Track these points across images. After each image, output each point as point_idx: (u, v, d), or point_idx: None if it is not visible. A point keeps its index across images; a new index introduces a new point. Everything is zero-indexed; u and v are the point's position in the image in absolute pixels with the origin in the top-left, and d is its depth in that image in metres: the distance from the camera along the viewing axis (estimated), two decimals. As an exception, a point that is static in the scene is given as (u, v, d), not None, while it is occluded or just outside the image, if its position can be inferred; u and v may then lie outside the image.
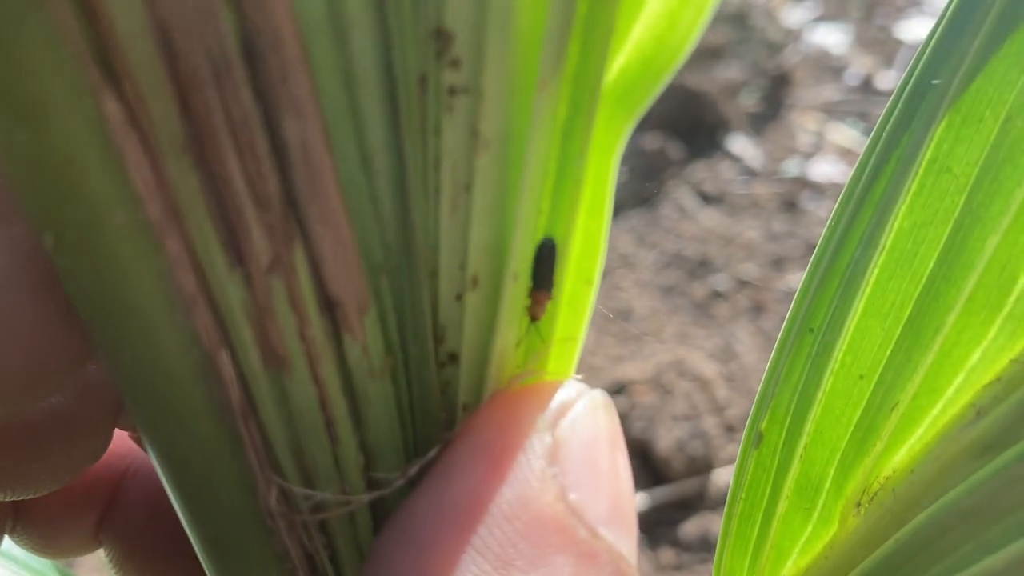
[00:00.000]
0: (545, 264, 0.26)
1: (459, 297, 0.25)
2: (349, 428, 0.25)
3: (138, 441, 0.42)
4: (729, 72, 2.20)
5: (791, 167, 2.00)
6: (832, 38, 2.47)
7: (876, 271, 0.30)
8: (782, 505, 0.32)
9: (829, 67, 2.40)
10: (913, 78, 0.31)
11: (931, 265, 0.29)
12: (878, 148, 0.31)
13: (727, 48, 2.29)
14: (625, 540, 0.26)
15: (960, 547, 0.28)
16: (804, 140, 2.10)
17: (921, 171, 0.29)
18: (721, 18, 2.44)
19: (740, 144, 2.06)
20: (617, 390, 1.37)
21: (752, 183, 1.96)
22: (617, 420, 0.28)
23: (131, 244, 0.20)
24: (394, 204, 0.23)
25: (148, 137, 0.19)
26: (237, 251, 0.21)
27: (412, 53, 0.22)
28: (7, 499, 0.36)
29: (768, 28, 2.36)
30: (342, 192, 0.22)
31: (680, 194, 1.93)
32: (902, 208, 0.30)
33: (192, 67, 0.19)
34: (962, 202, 0.29)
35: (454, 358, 0.26)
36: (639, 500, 1.26)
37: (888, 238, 0.30)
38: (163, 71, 0.19)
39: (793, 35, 2.45)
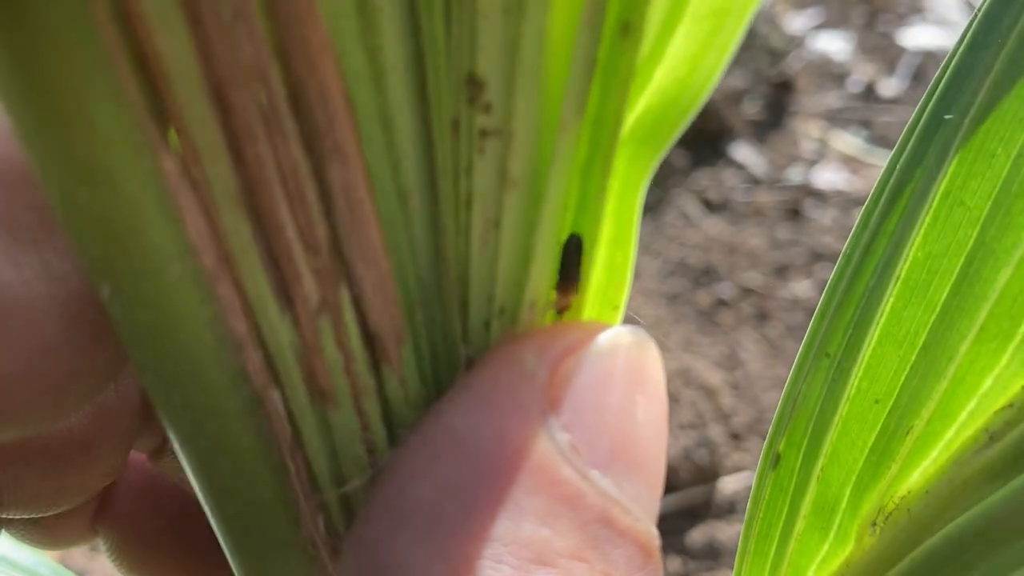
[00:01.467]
0: (571, 259, 0.26)
1: (487, 326, 0.26)
2: (386, 444, 0.26)
3: (152, 461, 0.44)
4: (732, 80, 2.22)
5: (794, 175, 2.01)
6: (834, 45, 2.49)
7: (891, 299, 0.31)
8: (799, 524, 0.33)
9: (831, 74, 2.42)
10: (926, 113, 0.32)
11: (945, 295, 0.30)
12: (892, 181, 0.32)
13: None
14: (630, 485, 0.24)
15: (973, 568, 0.29)
16: (807, 147, 2.12)
17: (935, 204, 0.30)
18: (723, 25, 2.48)
19: (743, 152, 2.07)
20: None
21: (755, 191, 1.98)
22: (652, 359, 0.26)
23: (185, 293, 0.21)
24: (428, 241, 0.24)
25: (203, 190, 0.20)
26: (287, 295, 0.22)
27: (446, 98, 0.23)
28: (19, 516, 0.38)
29: (771, 35, 2.38)
30: (382, 231, 0.23)
31: (684, 202, 1.94)
32: (917, 239, 0.31)
33: (245, 122, 0.20)
34: (975, 235, 0.30)
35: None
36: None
37: (903, 267, 0.31)
38: (218, 127, 0.20)
39: (796, 42, 2.47)
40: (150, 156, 0.20)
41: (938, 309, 0.30)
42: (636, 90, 0.25)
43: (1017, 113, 0.29)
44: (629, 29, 0.22)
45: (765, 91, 2.28)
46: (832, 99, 2.31)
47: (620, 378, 0.25)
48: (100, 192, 0.20)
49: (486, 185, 0.24)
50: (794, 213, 1.91)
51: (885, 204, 0.32)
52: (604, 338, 0.25)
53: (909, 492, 0.32)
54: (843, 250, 0.33)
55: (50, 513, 0.39)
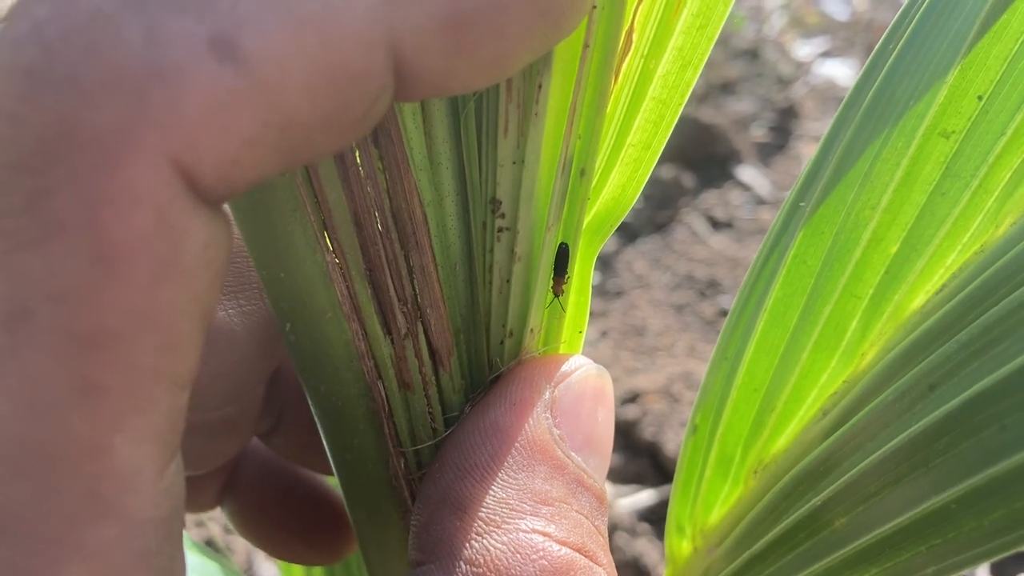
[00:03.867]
0: (562, 259, 0.38)
1: (502, 343, 0.40)
2: (441, 420, 0.41)
3: (264, 440, 0.57)
4: (740, 105, 2.34)
5: None
6: (839, 71, 2.59)
7: (763, 322, 0.47)
8: (708, 472, 0.49)
9: (835, 98, 2.51)
10: (790, 200, 0.48)
11: (795, 320, 0.46)
12: (768, 243, 0.48)
13: (740, 82, 2.43)
14: (593, 462, 0.37)
15: (809, 491, 0.45)
16: (809, 169, 2.22)
17: (789, 261, 0.47)
18: (736, 53, 2.58)
19: (749, 173, 2.18)
20: (631, 399, 1.52)
21: (759, 210, 2.09)
22: (607, 384, 0.39)
23: (332, 327, 0.37)
24: (467, 293, 0.39)
25: (345, 270, 0.36)
26: (388, 327, 0.38)
27: (478, 210, 0.38)
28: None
29: (779, 62, 2.50)
30: (442, 288, 0.39)
31: (692, 220, 2.05)
32: (778, 283, 0.47)
33: (369, 233, 0.36)
34: (812, 283, 0.46)
35: (499, 376, 0.43)
36: (649, 495, 1.40)
37: (770, 302, 0.47)
38: (354, 235, 0.36)
39: (803, 68, 2.56)
40: (319, 253, 0.36)
41: (791, 329, 0.47)
42: (589, 206, 0.41)
43: (837, 207, 0.45)
44: (584, 173, 0.37)
45: (771, 116, 2.38)
46: (835, 122, 2.41)
47: (589, 396, 0.38)
48: (290, 273, 0.36)
49: (502, 259, 0.38)
50: (796, 230, 2.02)
51: (763, 259, 0.48)
52: (580, 370, 0.38)
53: (776, 450, 0.48)
54: (740, 288, 0.50)
55: (202, 471, 0.53)
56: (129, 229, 0.22)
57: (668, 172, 2.11)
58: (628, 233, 2.00)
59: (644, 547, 1.31)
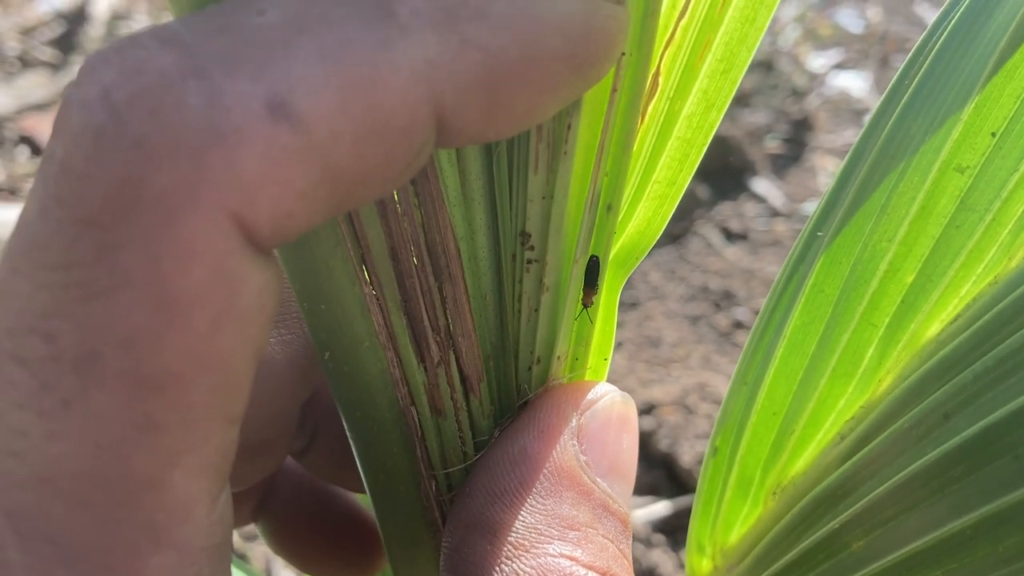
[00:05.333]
0: (592, 272, 0.39)
1: (530, 370, 0.41)
2: (471, 444, 0.42)
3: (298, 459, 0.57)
4: (755, 117, 2.34)
5: (811, 207, 2.12)
6: (853, 83, 2.59)
7: (782, 350, 0.49)
8: (728, 493, 0.51)
9: (850, 110, 2.52)
10: (808, 229, 0.50)
11: (813, 348, 0.48)
12: (786, 273, 0.50)
13: (754, 94, 2.44)
14: (618, 488, 0.37)
15: (826, 514, 0.46)
16: (824, 181, 2.24)
17: (807, 291, 0.48)
18: (751, 65, 2.58)
19: (763, 185, 2.19)
20: (645, 410, 1.52)
21: (774, 222, 2.10)
22: (632, 411, 0.40)
23: (369, 356, 0.38)
24: (496, 322, 0.40)
25: (382, 302, 0.37)
26: (421, 356, 0.39)
27: (508, 243, 0.39)
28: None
29: (794, 74, 2.50)
30: (473, 318, 0.40)
31: (707, 232, 2.06)
32: (796, 313, 0.48)
33: (406, 266, 0.38)
34: (830, 312, 0.47)
35: (527, 402, 0.44)
36: (664, 507, 1.41)
37: (789, 330, 0.49)
38: (391, 269, 0.37)
39: (817, 80, 2.57)
40: (358, 286, 0.37)
41: (810, 356, 0.48)
42: (615, 239, 0.43)
43: (855, 238, 0.47)
44: (612, 208, 0.38)
45: (786, 128, 2.38)
46: (850, 135, 2.41)
47: (615, 423, 0.39)
48: (330, 304, 0.37)
49: (531, 289, 0.39)
50: (810, 241, 2.02)
51: (782, 287, 0.50)
52: (606, 398, 0.40)
53: (795, 472, 0.49)
54: (758, 316, 0.51)
55: (242, 488, 0.54)
56: (189, 280, 0.23)
57: (683, 184, 2.10)
58: (643, 245, 1.98)
59: (659, 558, 1.32)
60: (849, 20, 2.89)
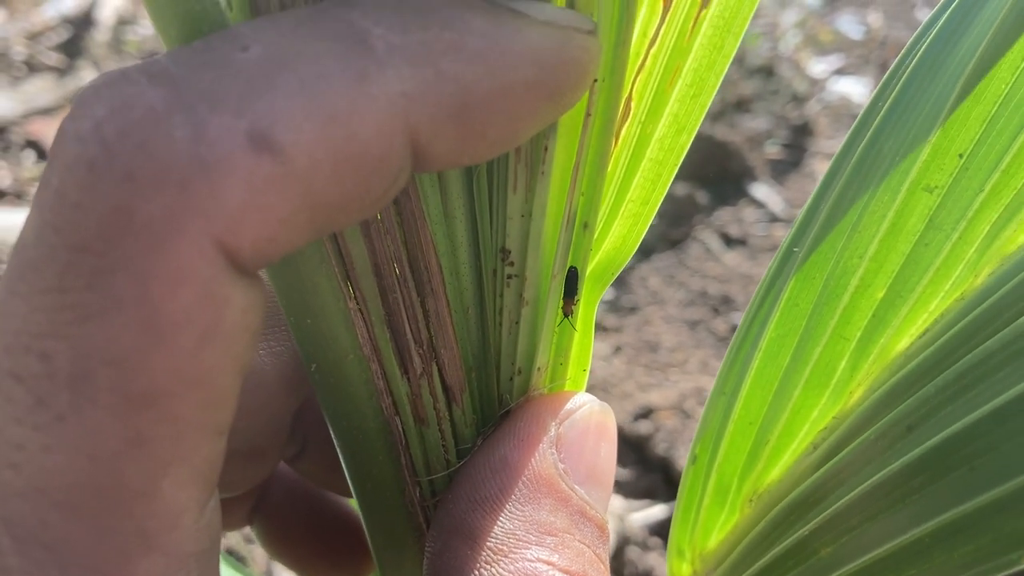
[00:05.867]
0: (571, 282, 0.40)
1: (511, 380, 0.43)
2: (454, 451, 0.43)
3: (290, 464, 0.59)
4: (755, 122, 2.35)
5: None
6: (853, 89, 2.60)
7: (758, 362, 0.50)
8: (707, 500, 0.52)
9: (850, 116, 2.52)
10: (784, 246, 0.51)
11: (788, 360, 0.49)
12: (764, 288, 0.51)
13: (755, 100, 2.45)
14: (595, 494, 0.39)
15: (799, 520, 0.48)
16: (823, 186, 2.24)
17: (782, 305, 0.50)
18: (751, 70, 2.60)
19: (763, 191, 2.20)
20: (643, 414, 1.54)
21: (773, 227, 2.11)
22: (610, 420, 0.41)
23: (354, 368, 0.39)
24: (478, 334, 0.42)
25: (366, 316, 0.38)
26: (405, 367, 0.40)
27: (488, 259, 0.40)
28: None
29: (794, 80, 2.51)
30: (455, 331, 0.42)
31: (706, 237, 2.07)
32: (772, 325, 0.50)
33: (389, 282, 0.39)
34: (804, 325, 0.49)
35: (508, 412, 0.46)
36: (660, 510, 1.42)
37: (764, 342, 0.50)
38: (375, 285, 0.39)
39: (817, 86, 2.58)
40: (342, 301, 0.38)
41: (784, 368, 0.49)
42: (592, 256, 0.44)
43: (828, 254, 0.48)
44: (588, 226, 0.39)
45: (786, 133, 2.39)
46: (849, 140, 2.42)
47: (592, 432, 0.40)
48: (316, 319, 0.39)
49: (511, 303, 0.41)
50: (809, 247, 2.03)
51: (759, 301, 0.51)
52: (584, 408, 0.41)
53: (770, 481, 0.51)
54: (737, 328, 0.53)
55: (233, 494, 0.56)
56: (177, 303, 0.25)
57: (682, 189, 2.12)
58: (642, 249, 2.01)
59: (655, 561, 1.34)
60: (849, 26, 2.90)
